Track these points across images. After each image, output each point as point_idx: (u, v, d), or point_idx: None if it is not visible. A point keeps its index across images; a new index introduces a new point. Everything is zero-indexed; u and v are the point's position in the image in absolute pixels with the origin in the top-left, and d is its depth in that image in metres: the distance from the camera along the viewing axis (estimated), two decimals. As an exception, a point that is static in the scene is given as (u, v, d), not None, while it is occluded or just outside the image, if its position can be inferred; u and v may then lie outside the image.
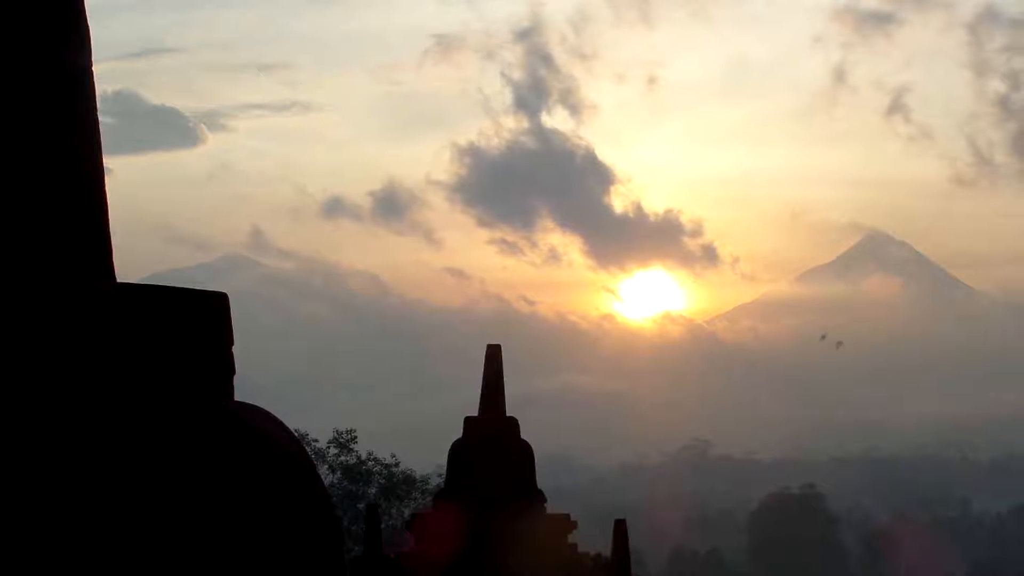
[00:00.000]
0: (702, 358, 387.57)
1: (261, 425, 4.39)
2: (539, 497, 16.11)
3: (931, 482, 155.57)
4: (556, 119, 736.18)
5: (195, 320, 4.39)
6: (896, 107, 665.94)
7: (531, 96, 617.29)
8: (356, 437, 45.47)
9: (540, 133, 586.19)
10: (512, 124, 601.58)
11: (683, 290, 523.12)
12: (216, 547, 4.06)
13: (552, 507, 16.45)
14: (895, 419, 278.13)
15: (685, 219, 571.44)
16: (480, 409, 16.25)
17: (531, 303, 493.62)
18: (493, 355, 16.49)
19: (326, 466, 43.51)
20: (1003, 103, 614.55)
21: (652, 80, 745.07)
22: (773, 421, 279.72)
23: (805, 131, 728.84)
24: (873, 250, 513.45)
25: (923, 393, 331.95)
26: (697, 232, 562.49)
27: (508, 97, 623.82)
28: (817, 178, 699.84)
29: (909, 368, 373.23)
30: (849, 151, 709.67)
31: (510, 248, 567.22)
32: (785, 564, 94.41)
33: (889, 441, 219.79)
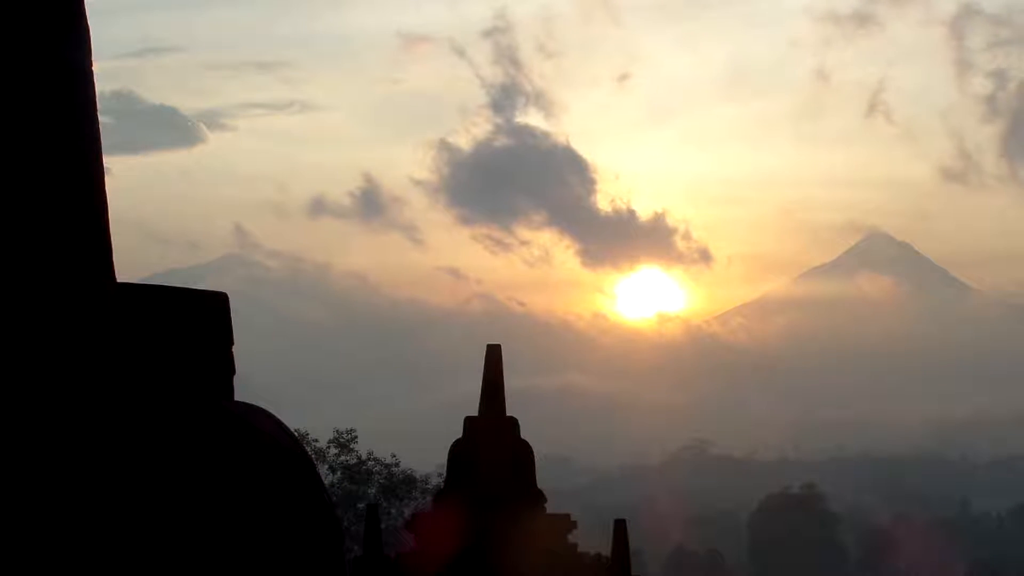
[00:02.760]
0: (702, 358, 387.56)
1: (261, 425, 4.39)
2: (539, 497, 16.11)
3: (931, 482, 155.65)
4: (547, 120, 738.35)
5: (195, 320, 4.39)
6: (894, 106, 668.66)
7: (520, 96, 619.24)
8: (356, 437, 45.46)
9: (534, 133, 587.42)
10: (501, 123, 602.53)
11: (682, 290, 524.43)
12: (216, 546, 4.06)
13: (552, 507, 16.44)
14: (895, 419, 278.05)
15: (681, 220, 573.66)
16: (480, 409, 16.24)
17: (522, 303, 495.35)
18: (493, 355, 16.48)
19: (326, 466, 43.49)
20: (994, 103, 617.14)
21: (646, 80, 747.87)
22: (773, 421, 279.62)
23: (802, 131, 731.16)
24: (873, 250, 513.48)
25: (923, 393, 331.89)
26: (694, 233, 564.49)
27: (495, 97, 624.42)
28: (816, 178, 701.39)
29: (909, 368, 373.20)
30: (847, 151, 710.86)
31: (500, 248, 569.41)
32: (785, 564, 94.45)
33: (889, 441, 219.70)
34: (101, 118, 4.98)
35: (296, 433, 4.90)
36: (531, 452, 16.32)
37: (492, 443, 15.92)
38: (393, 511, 43.01)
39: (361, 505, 39.56)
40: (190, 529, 4.01)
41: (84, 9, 4.77)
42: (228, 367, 4.52)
